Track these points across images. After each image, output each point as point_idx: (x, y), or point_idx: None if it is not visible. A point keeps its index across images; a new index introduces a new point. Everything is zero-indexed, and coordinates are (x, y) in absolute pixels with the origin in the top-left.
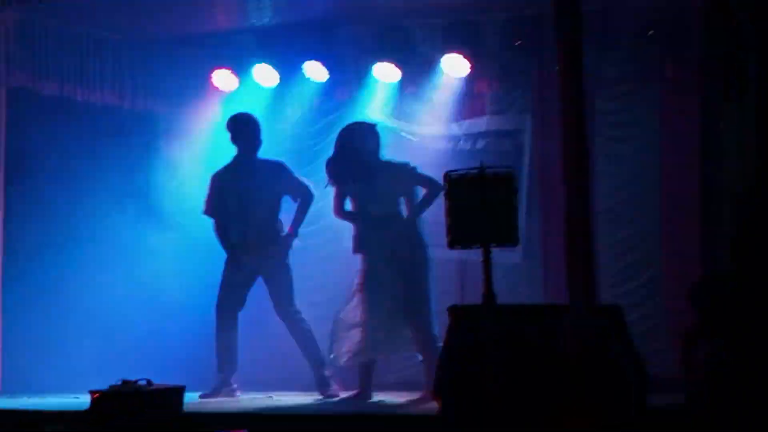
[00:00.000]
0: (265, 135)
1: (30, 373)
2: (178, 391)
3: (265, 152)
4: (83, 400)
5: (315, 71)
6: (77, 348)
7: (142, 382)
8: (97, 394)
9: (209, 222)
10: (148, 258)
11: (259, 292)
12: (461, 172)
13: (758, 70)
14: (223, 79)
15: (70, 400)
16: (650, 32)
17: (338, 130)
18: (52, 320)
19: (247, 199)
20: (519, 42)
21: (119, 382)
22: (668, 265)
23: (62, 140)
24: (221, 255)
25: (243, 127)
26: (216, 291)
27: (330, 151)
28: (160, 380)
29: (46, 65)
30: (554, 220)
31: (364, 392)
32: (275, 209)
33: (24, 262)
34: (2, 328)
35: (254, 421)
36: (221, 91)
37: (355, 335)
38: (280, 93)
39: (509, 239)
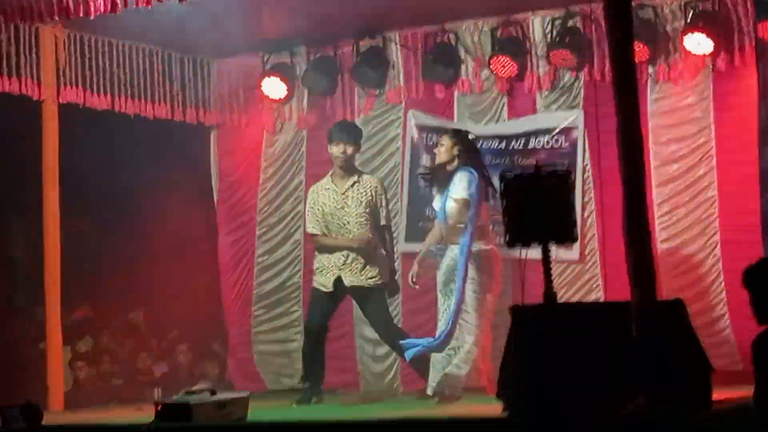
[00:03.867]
0: None
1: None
2: (244, 400)
3: None
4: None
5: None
6: None
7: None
8: (161, 406)
9: None
10: None
11: None
12: (516, 172)
13: None
14: (272, 86)
15: (134, 412)
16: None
17: None
18: None
19: None
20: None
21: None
22: (727, 256)
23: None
24: None
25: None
26: None
27: None
28: None
29: (97, 80)
30: (611, 216)
31: None
32: None
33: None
34: None
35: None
36: (272, 100)
37: None
38: None
39: (568, 237)
